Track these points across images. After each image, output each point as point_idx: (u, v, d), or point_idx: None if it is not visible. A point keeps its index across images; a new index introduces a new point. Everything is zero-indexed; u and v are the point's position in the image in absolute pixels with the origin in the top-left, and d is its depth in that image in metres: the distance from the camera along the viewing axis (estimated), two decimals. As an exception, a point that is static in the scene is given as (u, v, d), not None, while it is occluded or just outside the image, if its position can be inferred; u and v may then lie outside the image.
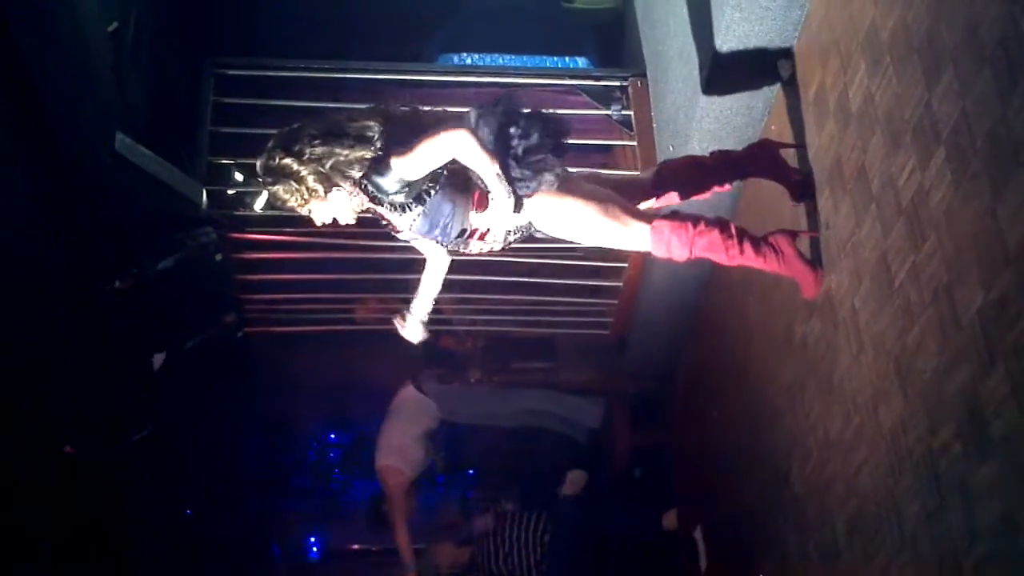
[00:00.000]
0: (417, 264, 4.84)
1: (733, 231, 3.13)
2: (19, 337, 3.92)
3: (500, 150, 2.89)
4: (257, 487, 6.85)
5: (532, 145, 2.94)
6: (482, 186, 2.93)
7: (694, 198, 3.37)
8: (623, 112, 4.89)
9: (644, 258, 4.84)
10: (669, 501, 5.68)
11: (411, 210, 2.93)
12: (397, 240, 4.64)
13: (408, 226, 3.00)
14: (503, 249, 3.17)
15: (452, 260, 3.31)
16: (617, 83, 4.96)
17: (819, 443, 3.41)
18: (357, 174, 2.86)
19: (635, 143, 4.76)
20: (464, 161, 2.83)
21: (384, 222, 3.09)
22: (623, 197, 3.18)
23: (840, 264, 3.20)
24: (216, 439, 5.89)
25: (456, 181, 2.95)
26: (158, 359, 4.81)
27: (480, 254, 3.21)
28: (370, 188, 2.90)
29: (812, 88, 3.44)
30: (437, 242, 3.09)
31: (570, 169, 3.18)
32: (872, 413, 2.96)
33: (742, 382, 4.34)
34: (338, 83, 4.80)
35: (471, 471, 7.05)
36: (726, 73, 3.70)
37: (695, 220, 3.11)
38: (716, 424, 4.84)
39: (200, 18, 5.19)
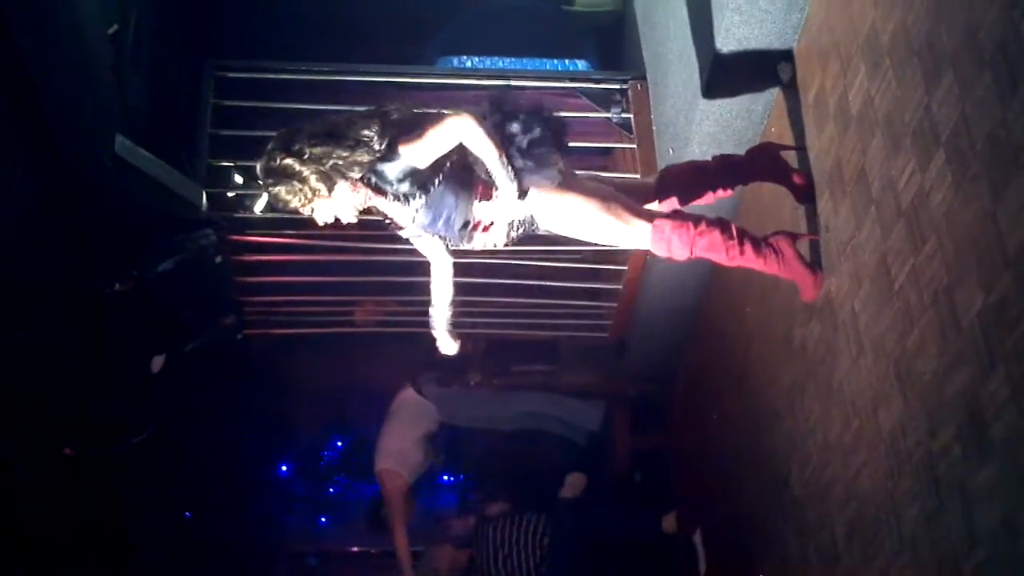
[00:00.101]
0: (417, 266, 4.88)
1: (734, 232, 3.14)
2: (19, 339, 3.92)
3: (504, 141, 2.90)
4: (257, 490, 6.85)
5: (535, 138, 2.95)
6: (486, 178, 2.94)
7: (696, 203, 3.37)
8: (623, 115, 4.89)
9: (644, 261, 4.84)
10: (669, 504, 5.67)
11: (415, 200, 2.91)
12: (397, 242, 4.63)
13: (411, 219, 2.98)
14: (506, 244, 3.14)
15: (454, 262, 3.29)
16: (617, 86, 4.95)
17: (818, 446, 3.41)
18: (357, 174, 2.86)
19: (635, 146, 4.76)
20: (469, 146, 2.83)
21: (387, 221, 3.09)
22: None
23: (840, 267, 3.20)
24: (215, 441, 5.89)
25: (460, 173, 2.95)
26: (158, 361, 4.81)
27: (483, 251, 3.20)
28: (374, 180, 2.89)
29: (812, 91, 3.45)
30: (440, 237, 3.07)
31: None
32: (872, 416, 2.96)
33: (742, 385, 4.34)
34: (338, 86, 4.80)
35: (470, 473, 7.04)
36: (726, 76, 3.70)
37: (696, 220, 3.12)
38: (716, 427, 4.83)
39: (200, 20, 5.19)
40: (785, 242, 3.23)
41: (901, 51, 2.74)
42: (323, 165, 2.81)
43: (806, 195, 3.45)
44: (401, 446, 5.93)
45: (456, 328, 3.42)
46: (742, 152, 3.63)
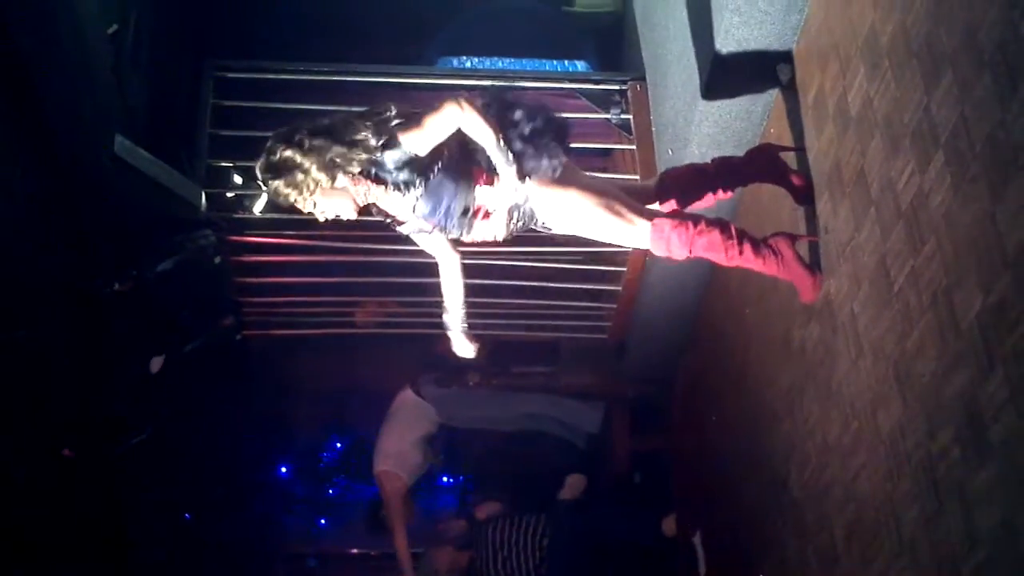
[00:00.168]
0: (417, 267, 4.88)
1: (733, 232, 3.14)
2: (19, 338, 3.92)
3: (506, 125, 2.93)
4: (256, 491, 6.84)
5: (538, 127, 2.98)
6: (485, 164, 2.95)
7: (696, 205, 3.37)
8: (622, 116, 4.89)
9: (643, 262, 4.84)
10: (668, 506, 5.67)
11: (414, 189, 2.92)
12: (396, 243, 4.64)
13: (411, 208, 2.98)
14: (506, 236, 3.12)
15: (456, 262, 3.25)
16: (616, 87, 4.96)
17: (817, 448, 3.41)
18: (357, 168, 2.88)
19: (634, 147, 4.76)
20: (467, 129, 2.85)
21: (387, 220, 3.09)
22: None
23: (839, 268, 3.20)
24: (215, 442, 5.89)
25: (459, 163, 2.96)
26: (157, 362, 4.81)
27: (482, 250, 3.19)
28: (374, 170, 2.90)
29: (811, 92, 3.44)
30: (441, 228, 3.05)
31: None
32: (871, 418, 2.96)
33: (741, 386, 4.34)
34: (338, 86, 4.80)
35: (470, 475, 7.03)
36: (725, 77, 3.70)
37: (696, 219, 3.13)
38: (715, 428, 4.83)
39: (200, 20, 5.19)
40: (784, 243, 3.23)
41: (900, 52, 2.73)
42: (323, 157, 2.83)
43: (805, 196, 3.45)
44: (400, 447, 5.92)
45: (477, 329, 3.41)
46: (741, 153, 3.62)
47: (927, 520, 2.60)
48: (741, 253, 3.14)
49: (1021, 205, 2.17)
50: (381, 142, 2.86)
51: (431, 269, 4.77)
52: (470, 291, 3.28)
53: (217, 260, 4.86)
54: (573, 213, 3.09)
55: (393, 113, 2.91)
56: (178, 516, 5.77)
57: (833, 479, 3.27)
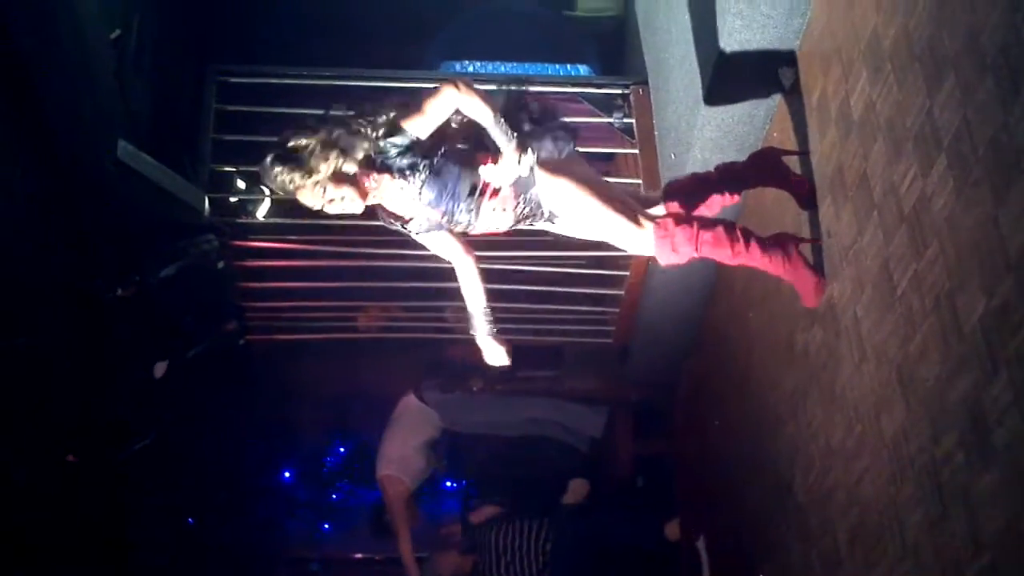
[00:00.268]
0: (420, 272, 4.88)
1: (738, 230, 3.14)
2: (22, 345, 3.92)
3: (515, 110, 2.99)
4: (260, 496, 6.84)
5: (547, 113, 3.05)
6: (491, 149, 2.98)
7: (701, 211, 3.37)
8: (625, 120, 4.89)
9: (646, 266, 4.84)
10: (671, 510, 5.66)
11: (419, 173, 2.94)
12: (400, 248, 4.64)
13: (417, 197, 2.99)
14: (517, 219, 3.11)
15: (471, 264, 3.24)
16: (619, 91, 4.95)
17: (821, 452, 3.40)
18: (362, 152, 2.91)
19: (637, 151, 4.76)
20: (465, 109, 2.88)
21: (395, 223, 3.09)
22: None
23: (842, 272, 3.20)
24: (218, 447, 5.89)
25: (462, 149, 3.02)
26: (160, 367, 4.81)
27: (494, 233, 3.18)
28: (379, 159, 2.93)
29: (814, 96, 3.44)
30: (449, 217, 3.05)
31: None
32: (874, 421, 2.95)
33: (744, 390, 4.33)
34: (340, 90, 4.80)
35: (473, 479, 7.03)
36: (728, 81, 3.70)
37: (700, 219, 3.14)
38: (718, 432, 4.82)
39: (203, 25, 5.20)
40: (790, 244, 3.23)
41: (903, 56, 2.73)
42: (329, 141, 2.87)
43: (808, 200, 3.44)
44: (403, 452, 5.92)
45: (454, 334, 3.40)
46: (744, 157, 3.62)
47: (931, 524, 2.59)
48: (747, 250, 3.13)
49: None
50: (383, 129, 2.90)
51: (434, 273, 4.82)
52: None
53: (220, 265, 4.86)
54: (578, 203, 3.07)
55: (392, 103, 2.96)
56: (181, 520, 5.77)
57: (836, 483, 3.26)
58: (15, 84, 3.60)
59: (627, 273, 5.00)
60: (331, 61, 4.96)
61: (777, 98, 3.78)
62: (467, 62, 5.62)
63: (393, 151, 2.92)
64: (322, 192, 2.92)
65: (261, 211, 4.94)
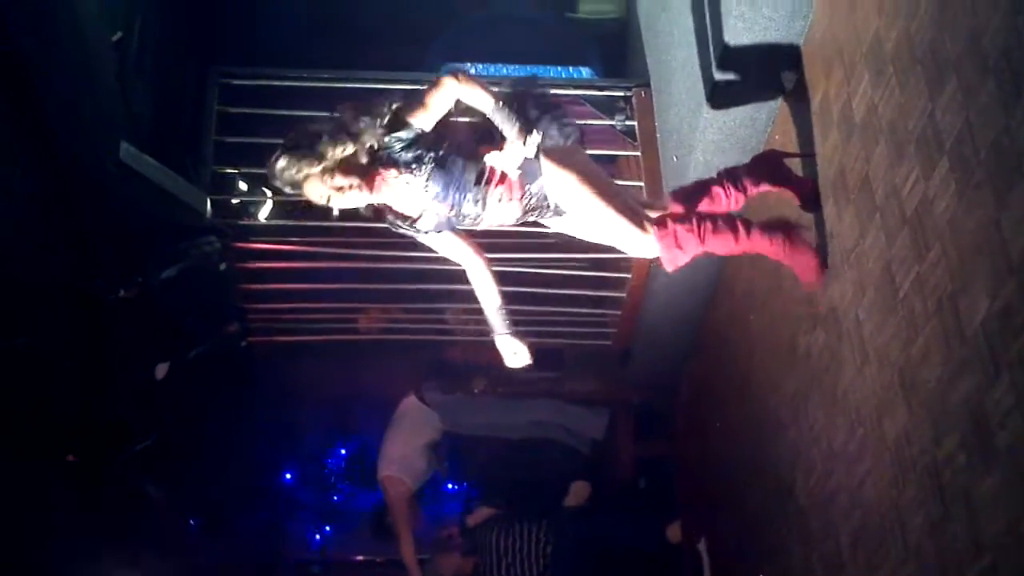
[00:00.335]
0: (421, 274, 4.88)
1: (737, 220, 3.16)
2: (23, 346, 3.92)
3: (524, 98, 3.03)
4: (261, 497, 6.84)
5: (556, 103, 3.09)
6: (495, 137, 3.00)
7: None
8: (627, 122, 4.89)
9: (647, 268, 4.84)
10: (673, 512, 5.66)
11: (425, 165, 2.96)
12: (401, 250, 4.64)
13: (424, 191, 2.99)
14: (524, 211, 3.10)
15: (482, 265, 3.23)
16: (621, 93, 4.96)
17: (823, 454, 3.40)
18: (369, 139, 2.94)
19: (639, 154, 4.76)
20: (466, 98, 2.92)
21: (402, 224, 3.10)
22: None
23: (844, 274, 3.19)
24: (219, 449, 5.88)
25: (467, 144, 3.05)
26: (162, 369, 4.81)
27: (502, 231, 3.17)
28: (385, 154, 2.96)
29: (816, 98, 3.44)
30: (457, 211, 3.05)
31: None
32: (876, 424, 2.95)
33: (745, 393, 4.33)
34: (342, 92, 4.80)
35: (474, 481, 7.03)
36: (730, 83, 3.70)
37: (699, 213, 3.16)
38: (720, 435, 4.82)
39: (204, 27, 5.20)
40: (788, 225, 3.24)
41: (905, 58, 2.73)
42: (340, 126, 2.92)
43: (811, 202, 3.44)
44: (404, 453, 5.93)
45: (482, 335, 3.37)
46: (746, 160, 3.62)
47: (933, 527, 2.59)
48: (749, 236, 3.13)
49: (1026, 211, 2.17)
50: (387, 123, 2.94)
51: (435, 275, 4.82)
52: (475, 298, 3.24)
53: (222, 267, 4.86)
54: (582, 196, 3.05)
55: (395, 99, 3.00)
56: (183, 523, 5.77)
57: (839, 486, 3.26)
58: (16, 85, 3.60)
59: (629, 275, 4.99)
60: (333, 63, 4.97)
61: (779, 101, 3.78)
62: (469, 64, 5.62)
63: (398, 145, 2.95)
64: (331, 179, 2.93)
65: (263, 213, 4.94)
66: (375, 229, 3.13)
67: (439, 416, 6.09)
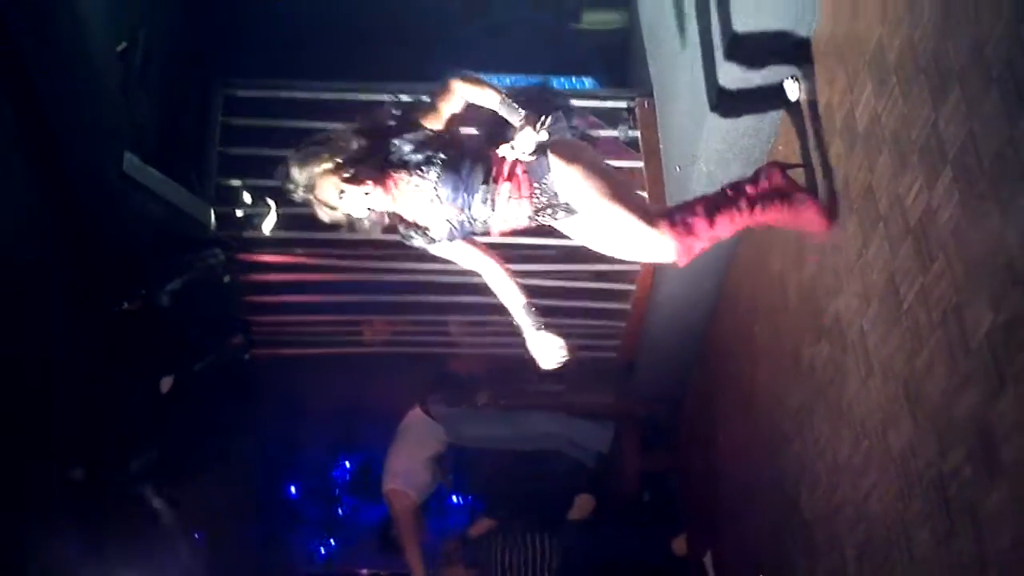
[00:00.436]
0: (426, 286, 4.87)
1: (727, 189, 3.18)
2: (26, 359, 3.92)
3: (528, 91, 3.13)
4: (265, 511, 6.83)
5: (570, 104, 3.18)
6: (501, 129, 3.05)
7: None
8: (630, 133, 4.89)
9: (652, 281, 4.83)
10: (678, 525, 5.63)
11: (434, 167, 2.98)
12: (405, 261, 4.63)
13: (434, 195, 3.00)
14: (534, 209, 3.09)
15: (498, 266, 3.19)
16: (624, 104, 4.96)
17: (828, 467, 3.38)
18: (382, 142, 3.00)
19: (642, 164, 4.75)
20: (472, 96, 3.00)
21: (414, 235, 3.10)
22: None
23: (848, 286, 3.18)
24: (224, 462, 5.87)
25: (475, 147, 3.09)
26: (166, 382, 4.80)
27: (513, 229, 3.16)
28: (395, 156, 2.99)
29: (819, 108, 3.43)
30: (467, 214, 3.05)
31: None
32: (881, 437, 2.93)
33: (750, 406, 4.31)
34: (346, 104, 4.80)
35: (479, 494, 7.00)
36: (733, 94, 3.69)
37: (695, 199, 3.17)
38: (725, 448, 4.80)
39: (209, 39, 5.22)
40: (778, 173, 3.21)
41: (908, 68, 2.72)
42: (354, 126, 3.00)
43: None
44: (408, 466, 5.91)
45: (475, 346, 3.36)
46: (749, 170, 3.60)
47: (938, 541, 2.57)
48: (752, 207, 3.11)
49: (1030, 221, 2.15)
50: (398, 124, 3.00)
51: (439, 287, 4.81)
52: (479, 310, 3.24)
53: (226, 279, 4.86)
54: (591, 191, 3.03)
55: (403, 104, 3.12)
56: (187, 536, 5.75)
57: (844, 499, 3.23)
58: (20, 97, 3.60)
59: (633, 287, 4.99)
60: (337, 74, 4.98)
61: (782, 111, 3.77)
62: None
63: (407, 147, 2.99)
64: (344, 175, 2.92)
65: (267, 225, 4.93)
66: (380, 241, 3.12)
67: (444, 429, 6.08)
